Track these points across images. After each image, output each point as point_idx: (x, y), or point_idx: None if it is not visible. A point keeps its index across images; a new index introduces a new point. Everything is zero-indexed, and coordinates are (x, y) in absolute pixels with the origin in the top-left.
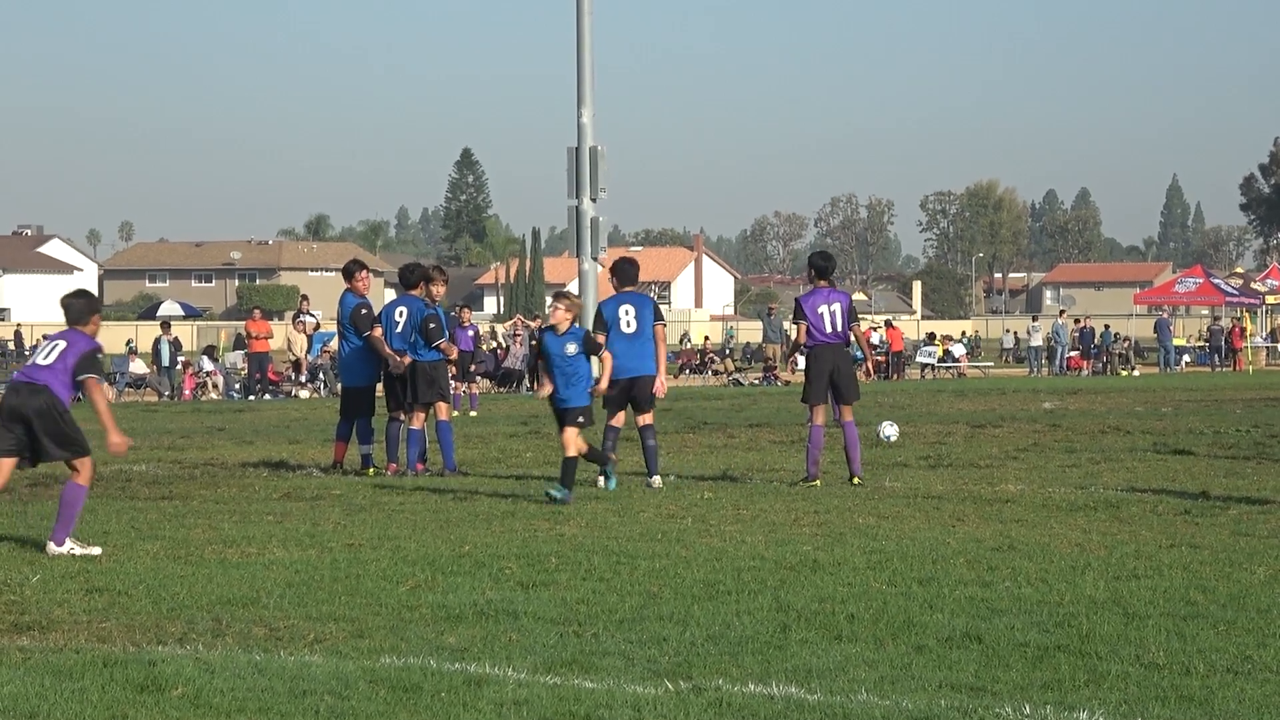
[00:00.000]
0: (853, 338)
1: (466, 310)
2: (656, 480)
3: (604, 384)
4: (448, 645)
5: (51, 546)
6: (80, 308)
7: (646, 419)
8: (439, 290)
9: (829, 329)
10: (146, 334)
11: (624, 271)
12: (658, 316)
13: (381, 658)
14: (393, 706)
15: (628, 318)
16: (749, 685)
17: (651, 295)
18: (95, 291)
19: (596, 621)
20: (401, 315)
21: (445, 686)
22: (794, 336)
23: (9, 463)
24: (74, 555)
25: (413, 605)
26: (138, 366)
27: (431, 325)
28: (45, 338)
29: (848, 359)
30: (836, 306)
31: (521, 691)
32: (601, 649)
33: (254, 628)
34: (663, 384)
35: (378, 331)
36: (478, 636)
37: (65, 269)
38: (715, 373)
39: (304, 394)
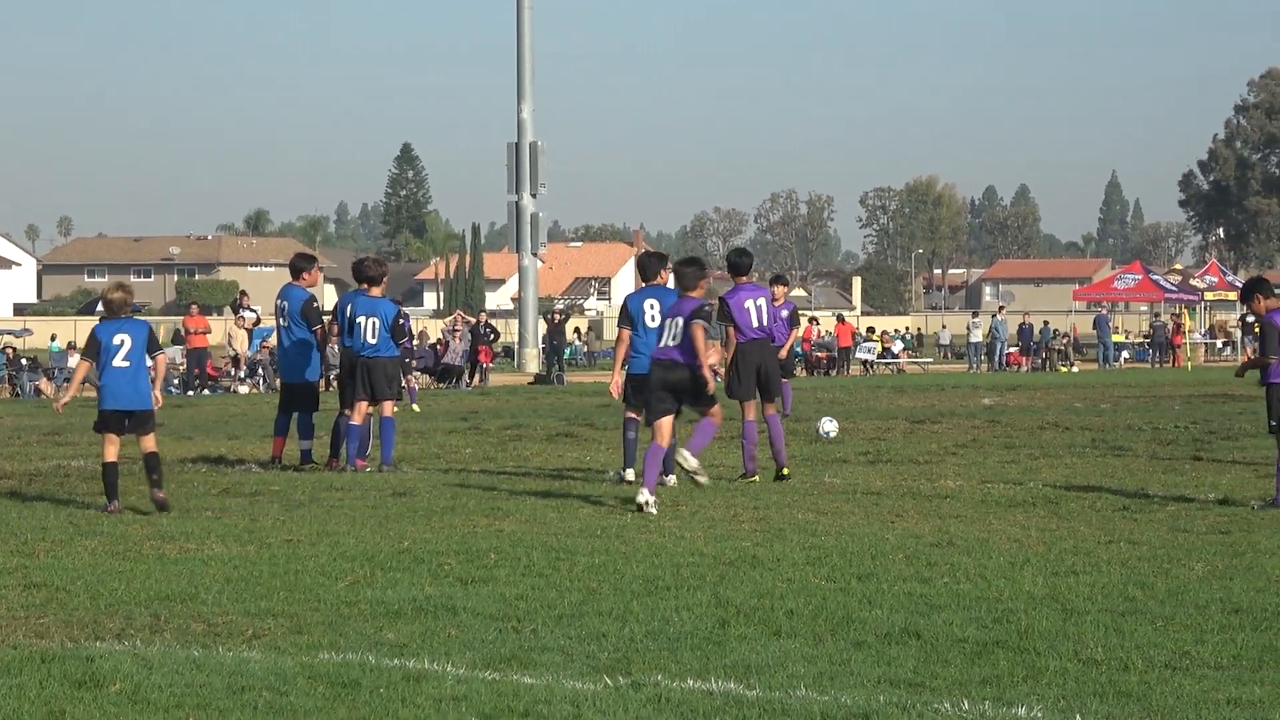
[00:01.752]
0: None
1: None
2: (670, 479)
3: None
4: (386, 641)
5: None
6: None
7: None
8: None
9: (755, 324)
10: (86, 329)
11: (644, 266)
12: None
13: (320, 653)
14: (331, 702)
15: (652, 312)
16: (688, 681)
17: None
18: (34, 287)
19: (535, 617)
20: (350, 311)
21: (384, 682)
22: (727, 337)
23: None
24: None
25: (351, 601)
26: (76, 361)
27: (401, 323)
28: None
29: (774, 354)
30: (762, 301)
31: (460, 687)
32: (540, 645)
33: (192, 623)
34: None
35: (333, 329)
36: (416, 632)
37: (3, 264)
38: None
39: (243, 389)
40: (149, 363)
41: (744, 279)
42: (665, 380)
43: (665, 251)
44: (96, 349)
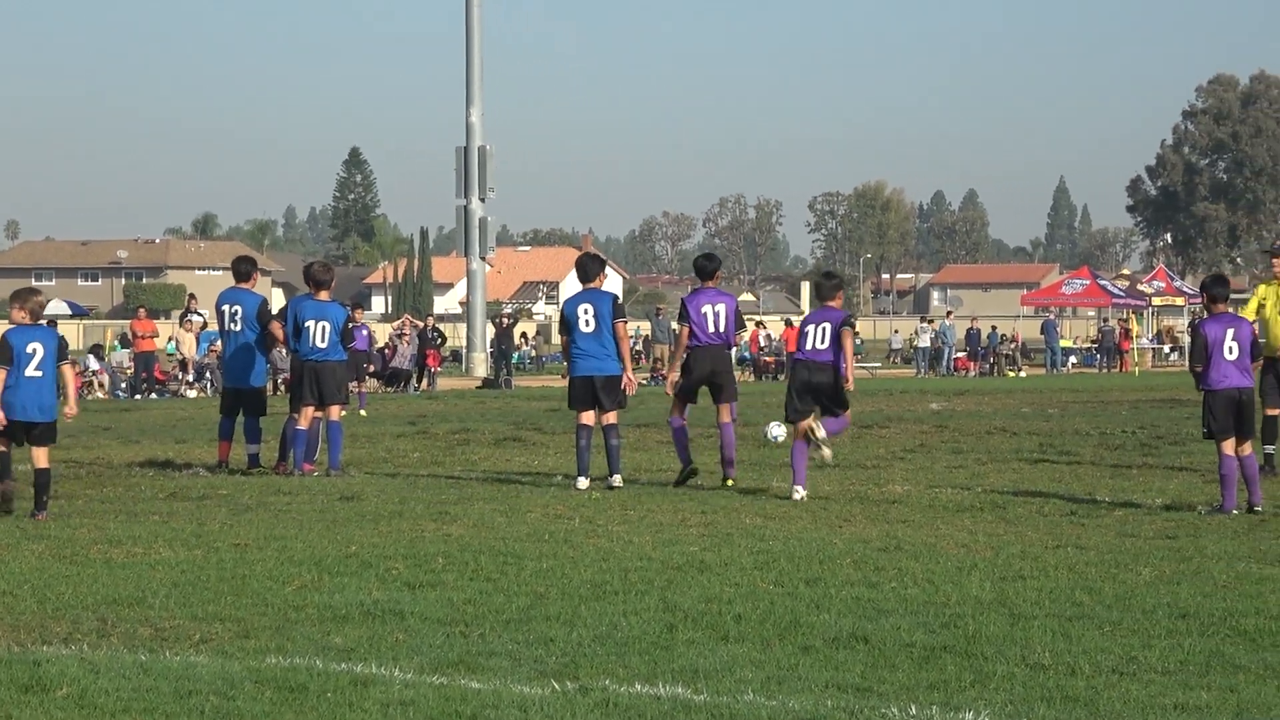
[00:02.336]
0: (740, 340)
1: (359, 310)
2: (617, 479)
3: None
4: (334, 645)
5: None
6: None
7: (610, 418)
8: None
9: (712, 329)
10: None
11: (583, 268)
12: (618, 314)
13: (267, 658)
14: (278, 707)
15: (586, 316)
16: (636, 685)
17: (613, 292)
18: None
19: (483, 622)
20: (297, 315)
21: (331, 687)
22: (680, 338)
23: None
24: None
25: (299, 605)
26: None
27: (350, 327)
28: None
29: (728, 361)
30: (722, 307)
31: (408, 692)
32: (488, 649)
33: (139, 628)
34: (631, 380)
35: (279, 331)
36: (364, 637)
37: None
38: None
39: (191, 393)
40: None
41: (709, 283)
42: (809, 382)
43: (603, 255)
44: (10, 355)
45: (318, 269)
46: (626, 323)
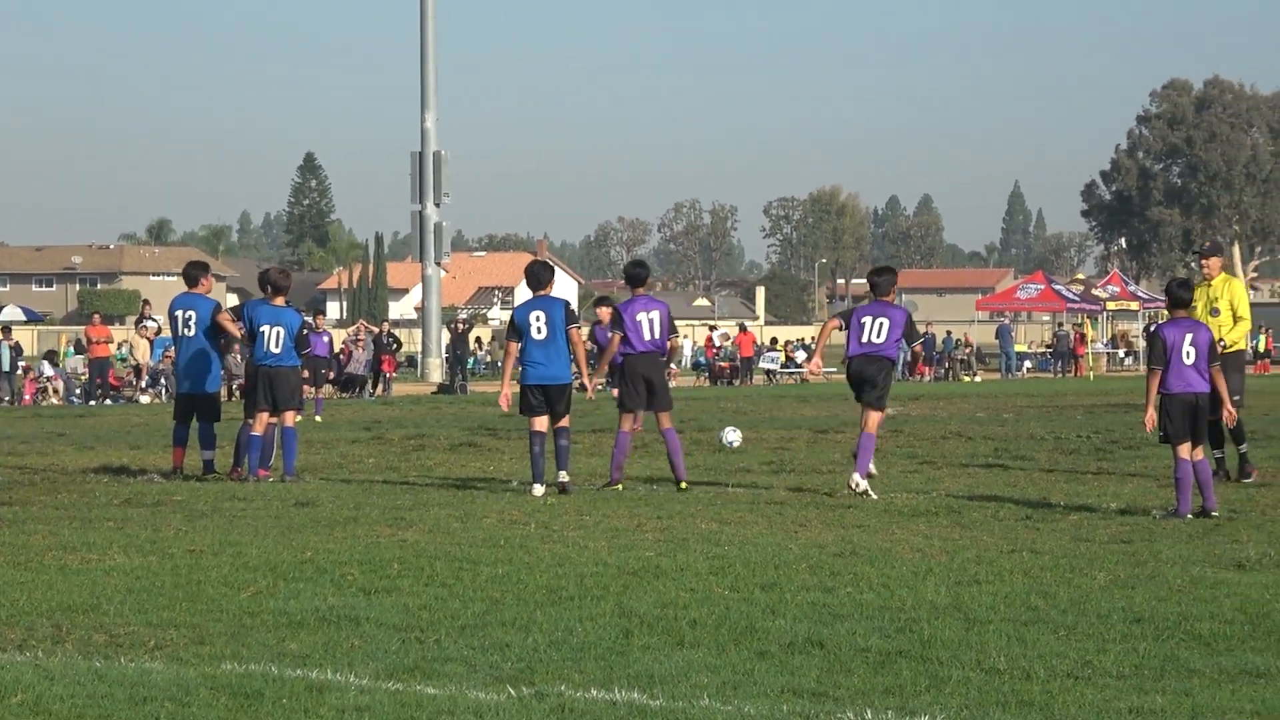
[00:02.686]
0: (676, 345)
1: (320, 316)
2: (564, 474)
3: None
4: (289, 652)
5: None
6: None
7: (564, 421)
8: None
9: (648, 337)
10: None
11: (533, 275)
12: (570, 320)
13: (222, 664)
14: (234, 713)
15: (539, 323)
16: (591, 691)
17: (565, 298)
18: None
19: (439, 627)
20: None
21: (287, 693)
22: (610, 345)
23: None
24: None
25: (254, 612)
26: None
27: (305, 333)
28: None
29: (662, 368)
30: (655, 315)
31: (363, 698)
32: (444, 655)
33: (94, 634)
34: (589, 385)
35: (238, 329)
36: (319, 643)
37: None
38: None
39: (145, 399)
40: None
41: (640, 290)
42: (863, 372)
43: (555, 261)
44: None
45: (275, 274)
46: (580, 328)
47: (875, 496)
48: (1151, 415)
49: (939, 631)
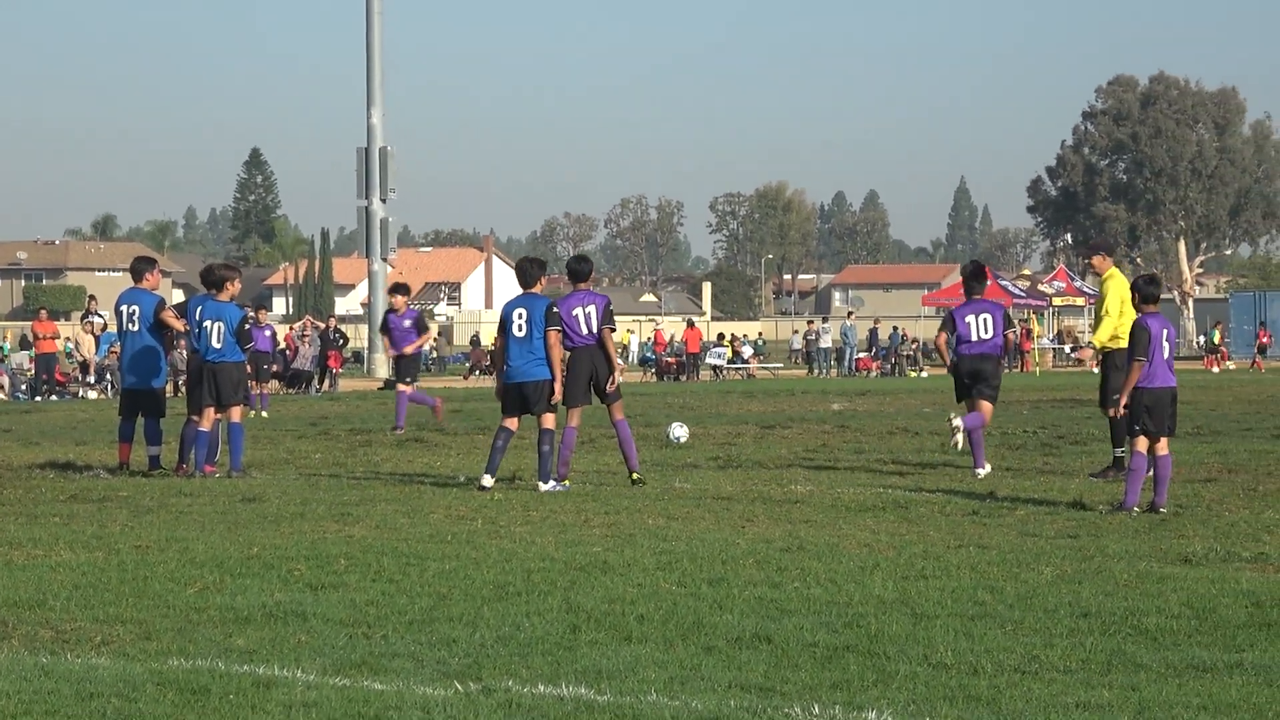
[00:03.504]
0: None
1: (263, 310)
2: (542, 486)
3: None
4: (236, 647)
5: None
6: None
7: (546, 422)
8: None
9: (585, 331)
10: None
11: (521, 272)
12: (550, 321)
13: (169, 660)
14: (180, 709)
15: (520, 320)
16: (539, 686)
17: (548, 298)
18: None
19: (386, 623)
20: (199, 314)
21: (234, 689)
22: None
23: None
24: None
25: (201, 607)
26: None
27: (246, 327)
28: None
29: (604, 360)
30: (592, 308)
31: (310, 693)
32: (391, 651)
33: (40, 630)
34: (559, 389)
35: (181, 324)
36: (266, 638)
37: None
38: None
39: (91, 395)
40: None
41: (583, 285)
42: (977, 369)
43: (543, 258)
44: None
45: (219, 268)
46: (560, 330)
47: (986, 470)
48: (1124, 403)
49: (886, 626)
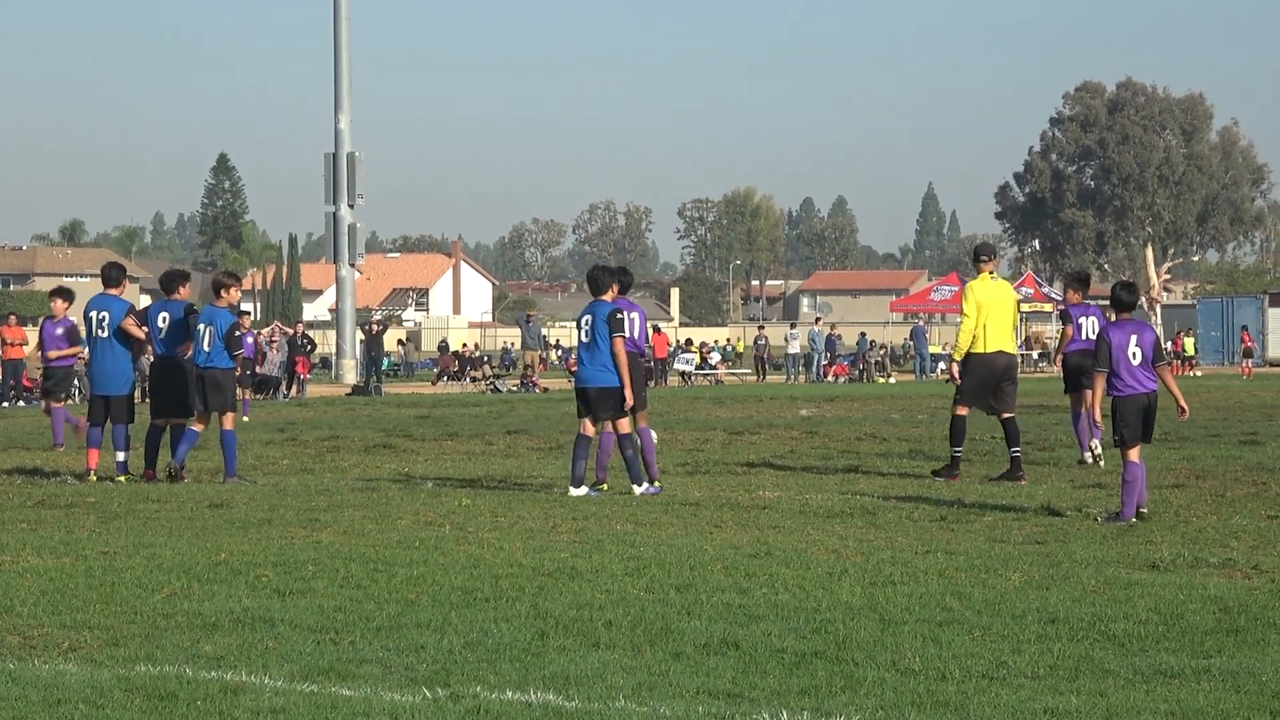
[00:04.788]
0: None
1: (246, 317)
2: (635, 489)
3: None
4: (204, 653)
5: None
6: None
7: (622, 427)
8: (235, 295)
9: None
10: None
11: (593, 281)
12: (613, 328)
13: (137, 666)
14: (148, 715)
15: (586, 327)
16: (507, 692)
17: (612, 304)
18: None
19: (354, 629)
20: (164, 320)
21: (201, 695)
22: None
23: None
24: None
25: (168, 613)
26: None
27: (236, 334)
28: None
29: (640, 368)
30: (635, 316)
31: (278, 700)
32: (359, 657)
33: (8, 636)
34: (629, 395)
35: (141, 332)
36: (234, 644)
37: None
38: (473, 379)
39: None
40: None
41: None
42: (1084, 365)
43: (621, 266)
44: None
45: (220, 275)
46: (624, 337)
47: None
48: (1097, 416)
49: (854, 632)
